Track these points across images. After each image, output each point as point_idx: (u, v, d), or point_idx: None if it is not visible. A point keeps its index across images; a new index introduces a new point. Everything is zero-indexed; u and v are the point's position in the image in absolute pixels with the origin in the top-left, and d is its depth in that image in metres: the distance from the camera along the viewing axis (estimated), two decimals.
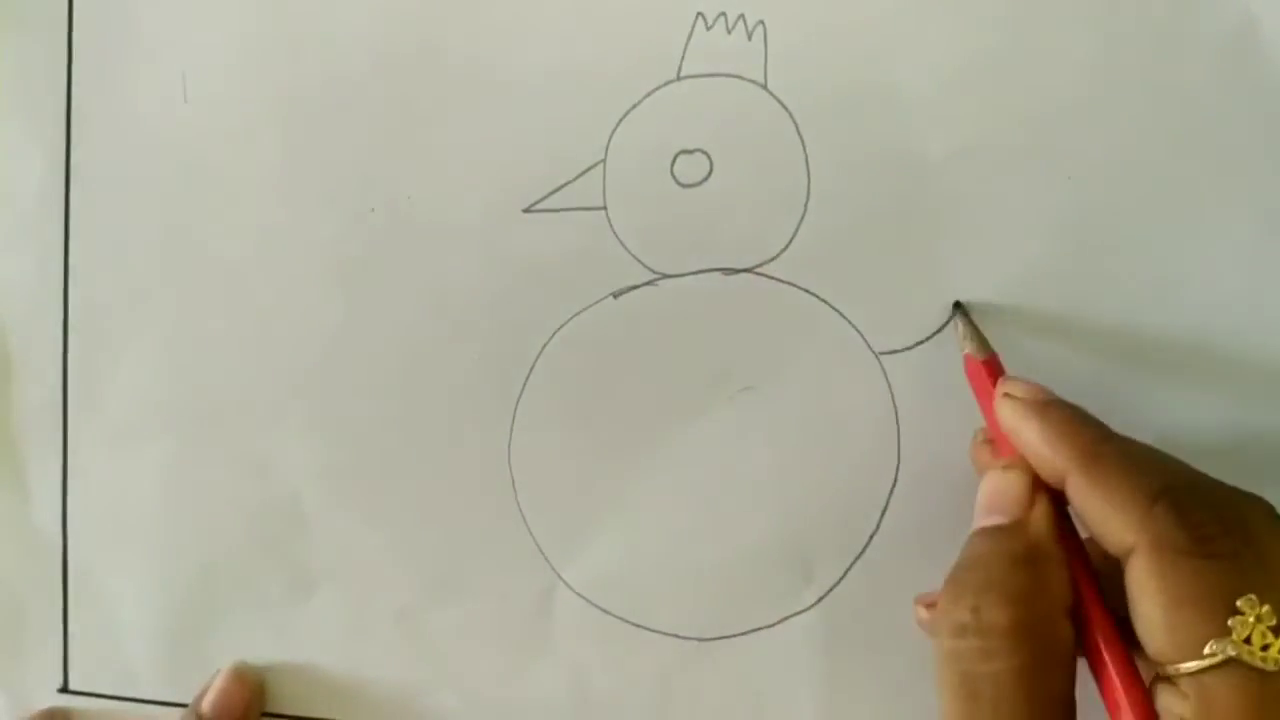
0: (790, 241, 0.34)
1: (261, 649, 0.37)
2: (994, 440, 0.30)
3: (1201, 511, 0.25)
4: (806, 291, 0.34)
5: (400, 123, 0.35)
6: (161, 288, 0.36)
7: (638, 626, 0.35)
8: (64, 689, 0.38)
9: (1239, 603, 0.23)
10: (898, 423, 0.33)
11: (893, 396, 0.34)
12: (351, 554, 0.36)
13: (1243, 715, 0.23)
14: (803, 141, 0.33)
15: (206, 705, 0.36)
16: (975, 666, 0.25)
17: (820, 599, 0.34)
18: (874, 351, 0.34)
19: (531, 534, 0.35)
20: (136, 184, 0.36)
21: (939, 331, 0.33)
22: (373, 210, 0.35)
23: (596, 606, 0.35)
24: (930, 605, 0.31)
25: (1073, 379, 0.33)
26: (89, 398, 0.37)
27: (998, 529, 0.27)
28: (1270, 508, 0.27)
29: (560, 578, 0.35)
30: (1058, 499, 0.28)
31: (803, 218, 0.34)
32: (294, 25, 0.35)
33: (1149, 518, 0.25)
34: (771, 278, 0.34)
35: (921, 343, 0.33)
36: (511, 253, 0.35)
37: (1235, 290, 0.32)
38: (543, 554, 0.35)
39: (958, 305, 0.33)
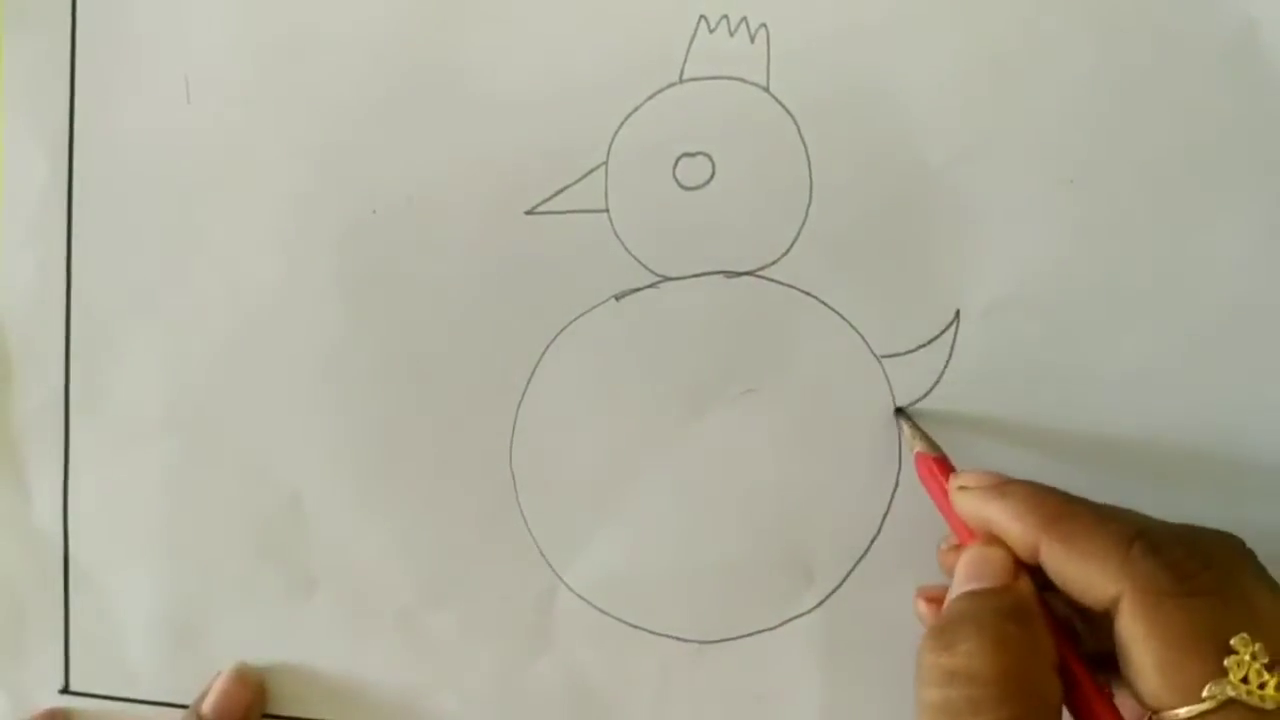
0: (792, 244, 0.34)
1: (262, 650, 0.37)
2: (960, 536, 0.30)
3: (1179, 549, 0.25)
4: (808, 294, 0.34)
5: (402, 125, 0.35)
6: (163, 289, 0.36)
7: (638, 628, 0.35)
8: (65, 690, 0.38)
9: (1233, 642, 0.23)
10: (899, 426, 0.33)
11: (894, 399, 0.34)
12: (352, 555, 0.36)
13: None
14: (805, 144, 0.33)
15: (207, 706, 0.36)
16: (963, 718, 0.25)
17: (821, 602, 0.34)
18: (875, 355, 0.34)
19: (532, 535, 0.35)
20: (139, 186, 0.36)
21: (940, 335, 0.33)
22: (374, 212, 0.35)
23: (597, 608, 0.35)
24: (932, 599, 0.31)
25: (1074, 380, 0.33)
26: (90, 399, 0.37)
27: (985, 590, 0.27)
28: (1241, 543, 0.27)
29: (561, 579, 0.35)
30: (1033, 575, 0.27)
31: (804, 221, 0.34)
32: (296, 27, 0.35)
33: (1128, 563, 0.25)
34: (773, 280, 0.34)
35: (923, 346, 0.33)
36: (513, 255, 0.35)
37: (1238, 293, 0.32)
38: (543, 555, 0.35)
39: (899, 411, 0.33)
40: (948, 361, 0.33)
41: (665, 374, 0.34)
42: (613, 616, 0.35)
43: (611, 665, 0.35)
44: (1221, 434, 0.33)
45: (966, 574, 0.28)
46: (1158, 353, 0.33)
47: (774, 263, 0.34)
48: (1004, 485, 0.28)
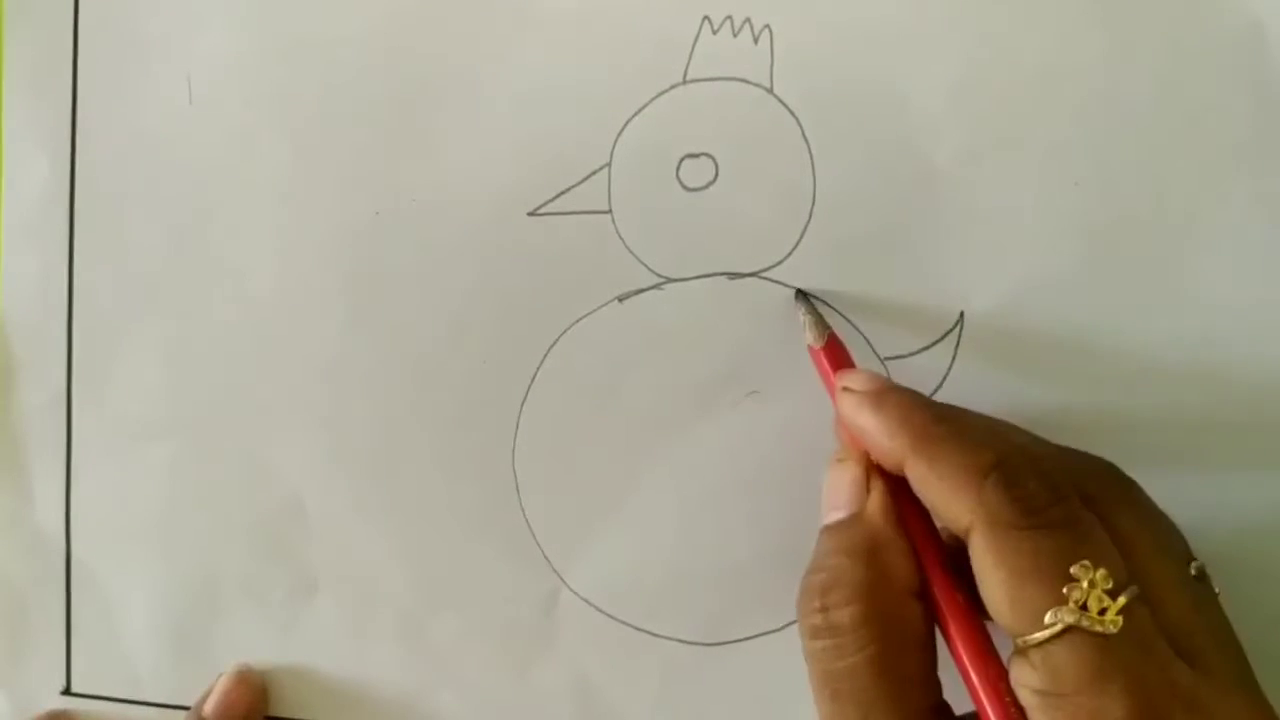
0: (796, 246, 0.34)
1: (264, 652, 0.37)
2: (839, 432, 0.30)
3: (1032, 482, 0.25)
4: (812, 296, 0.34)
5: (405, 126, 0.35)
6: (166, 290, 0.36)
7: (641, 630, 0.35)
8: (66, 691, 0.38)
9: (1073, 569, 0.24)
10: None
11: None
12: (354, 556, 0.36)
13: (1089, 681, 0.23)
14: (809, 145, 0.33)
15: (209, 708, 0.36)
16: (832, 664, 0.26)
17: None
18: (879, 357, 0.34)
19: (535, 537, 0.35)
20: (141, 186, 0.36)
21: (944, 337, 0.33)
22: (377, 213, 0.35)
23: (600, 611, 0.35)
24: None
25: (1076, 383, 0.33)
26: (93, 399, 0.37)
27: (837, 525, 0.28)
28: (1112, 468, 0.27)
29: (564, 581, 0.35)
30: (901, 484, 0.28)
31: (808, 222, 0.33)
32: (299, 28, 0.35)
33: (980, 495, 0.25)
34: (777, 282, 0.34)
35: (927, 348, 0.33)
36: (516, 256, 0.35)
37: (1245, 295, 0.32)
38: (546, 558, 0.35)
39: (799, 293, 0.33)
40: (951, 364, 0.33)
41: (668, 376, 0.34)
42: (615, 619, 0.35)
43: (614, 667, 0.35)
44: (1226, 436, 0.33)
45: (825, 499, 0.29)
46: (1163, 355, 0.33)
47: (778, 264, 0.34)
48: (883, 394, 0.28)
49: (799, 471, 0.34)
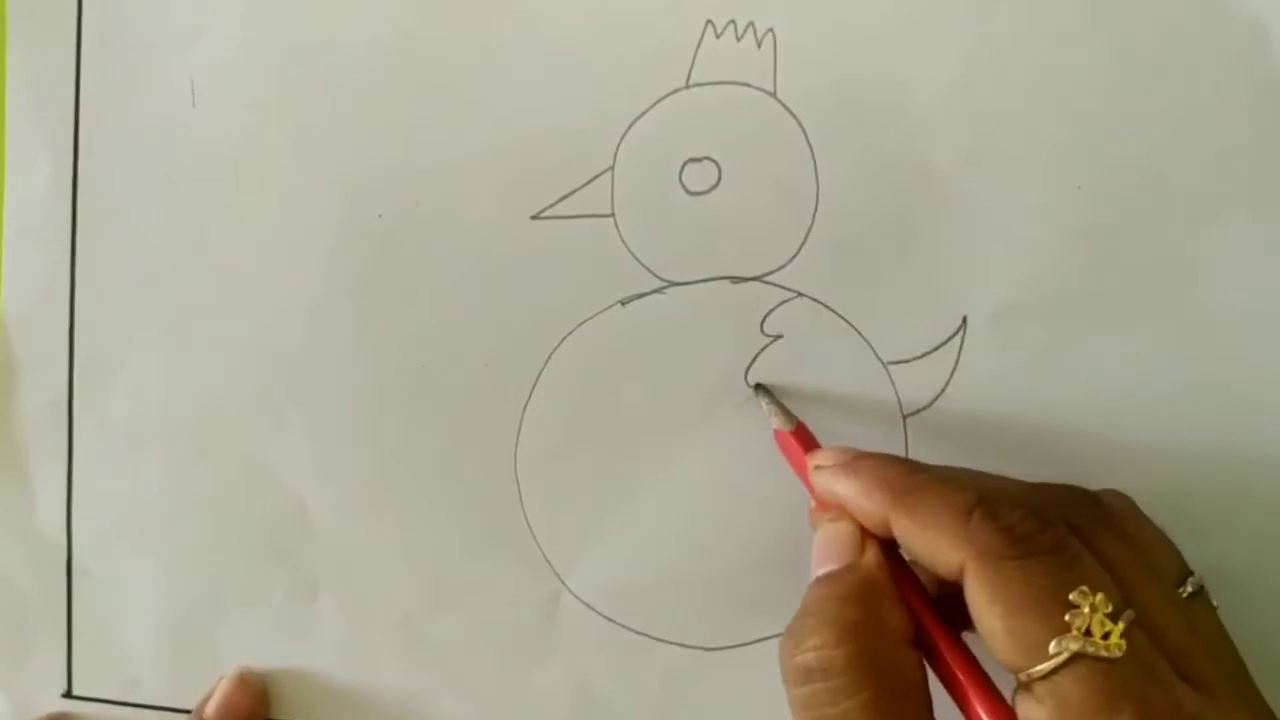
0: (798, 250, 0.33)
1: (265, 655, 0.37)
2: (820, 507, 0.30)
3: (1016, 513, 0.25)
4: (815, 301, 0.34)
5: (408, 129, 0.35)
6: (168, 292, 0.36)
7: (643, 635, 0.35)
8: (67, 694, 0.38)
9: (1072, 596, 0.24)
10: (905, 432, 0.33)
11: (900, 406, 0.33)
12: (356, 560, 0.36)
13: (1099, 708, 0.23)
14: (811, 149, 0.33)
15: (210, 711, 0.36)
16: (825, 710, 0.25)
17: None
18: (882, 361, 0.33)
19: (536, 541, 0.35)
20: (144, 189, 0.36)
21: (947, 342, 0.33)
22: (380, 216, 0.35)
23: (601, 615, 0.35)
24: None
25: (1082, 387, 0.33)
26: (94, 402, 0.37)
27: (829, 574, 0.28)
28: (1091, 495, 0.27)
29: (565, 585, 0.35)
30: (889, 546, 0.28)
31: (811, 226, 0.33)
32: (302, 31, 0.35)
33: (968, 531, 0.25)
34: (780, 286, 0.34)
35: (929, 353, 0.33)
36: (519, 259, 0.35)
37: (1248, 298, 0.32)
38: (548, 561, 0.35)
39: (759, 386, 0.33)
40: (954, 368, 0.33)
41: (671, 380, 0.34)
42: (617, 623, 0.35)
43: (615, 671, 0.35)
44: (1229, 439, 0.33)
45: (817, 556, 0.28)
46: (1166, 359, 0.33)
47: (781, 268, 0.34)
48: (854, 461, 0.29)
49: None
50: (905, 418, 0.33)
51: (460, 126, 0.35)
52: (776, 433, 0.32)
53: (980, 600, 0.25)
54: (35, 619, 0.38)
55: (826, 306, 0.34)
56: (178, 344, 0.36)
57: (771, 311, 0.34)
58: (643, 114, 0.34)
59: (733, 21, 0.33)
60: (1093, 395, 0.33)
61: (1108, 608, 0.24)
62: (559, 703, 0.35)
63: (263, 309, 0.36)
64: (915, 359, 0.33)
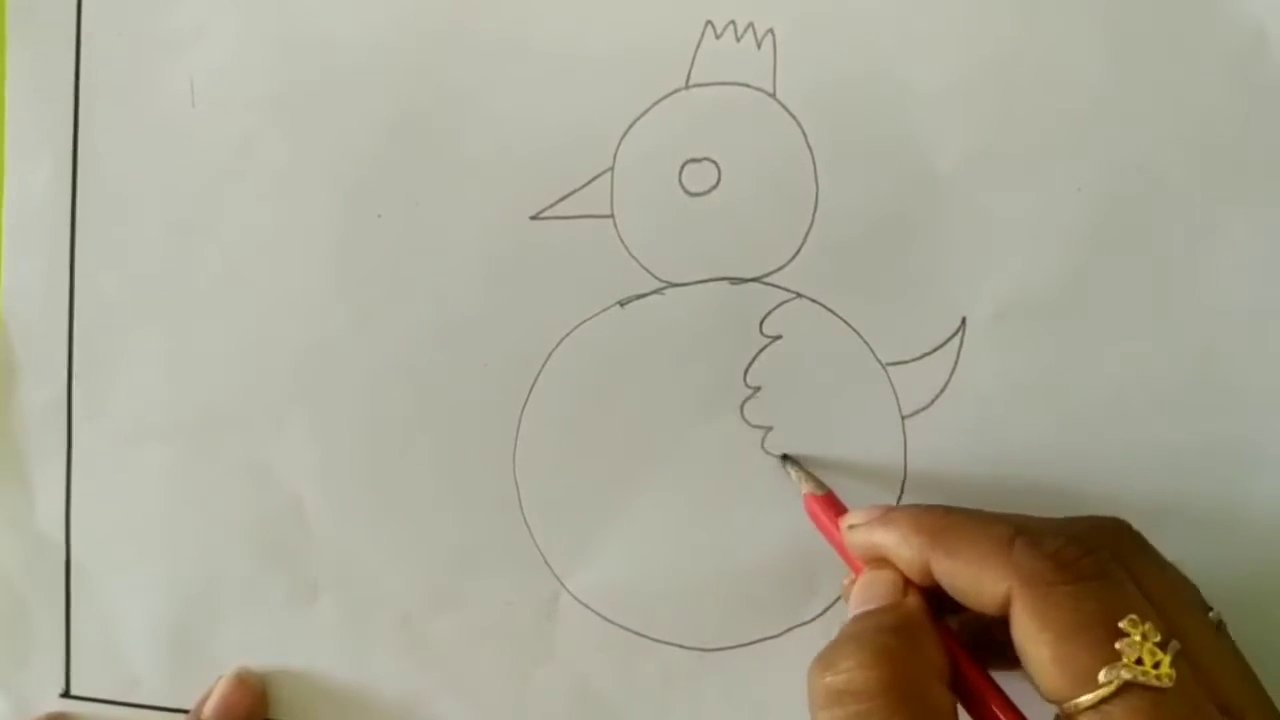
0: (798, 251, 0.33)
1: (264, 655, 0.37)
2: (854, 570, 0.30)
3: (1058, 539, 0.25)
4: (814, 301, 0.34)
5: (408, 129, 0.35)
6: (167, 292, 0.36)
7: (641, 636, 0.35)
8: (66, 694, 0.38)
9: (1122, 624, 0.23)
10: (904, 434, 0.33)
11: (899, 408, 0.33)
12: (354, 560, 0.36)
13: None
14: (811, 150, 0.33)
15: (208, 711, 0.36)
16: None
17: (825, 610, 0.34)
18: (880, 362, 0.33)
19: (535, 542, 0.35)
20: (143, 188, 0.36)
21: (946, 343, 0.33)
22: (379, 216, 0.35)
23: (600, 615, 0.35)
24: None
25: (1081, 389, 0.33)
26: (93, 402, 0.37)
27: (871, 610, 0.27)
28: (1123, 524, 0.27)
29: (564, 586, 0.35)
30: (928, 595, 0.28)
31: (810, 227, 0.33)
32: (302, 31, 0.35)
33: (1011, 559, 0.25)
34: (779, 287, 0.34)
35: (928, 354, 0.33)
36: (518, 260, 0.35)
37: (1248, 301, 0.32)
38: (546, 562, 0.35)
39: (786, 457, 0.34)
40: (953, 370, 0.33)
41: (669, 380, 0.34)
42: (616, 624, 0.35)
43: (614, 672, 0.35)
44: (1230, 442, 0.33)
45: (857, 599, 0.28)
46: (1165, 361, 0.32)
47: (780, 269, 0.34)
48: (888, 514, 0.29)
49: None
50: (904, 419, 0.33)
51: (460, 127, 0.35)
52: (807, 498, 0.32)
53: (1027, 628, 0.24)
54: (34, 619, 0.38)
55: (825, 307, 0.34)
56: (177, 344, 0.36)
57: (770, 312, 0.34)
58: (642, 114, 0.34)
59: (732, 22, 0.33)
60: (1092, 396, 0.33)
61: (1156, 637, 0.23)
62: (558, 703, 0.35)
63: (262, 309, 0.36)
64: (914, 360, 0.33)
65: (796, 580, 0.34)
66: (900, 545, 0.28)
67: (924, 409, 0.33)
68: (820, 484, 0.32)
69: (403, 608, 0.36)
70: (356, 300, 0.35)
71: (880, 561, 0.29)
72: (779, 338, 0.34)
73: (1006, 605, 0.25)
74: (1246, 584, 0.32)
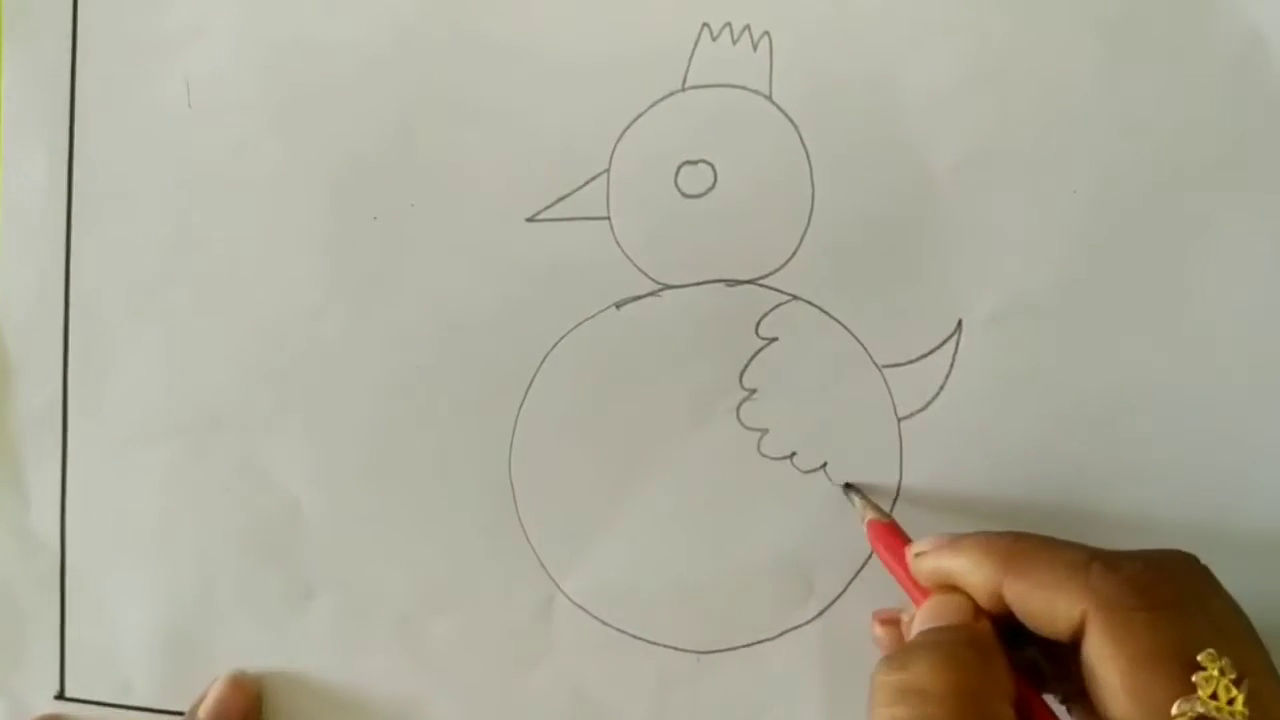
0: (794, 253, 0.33)
1: (259, 657, 0.37)
2: (915, 600, 0.30)
3: (1136, 564, 0.25)
4: (810, 303, 0.34)
5: (404, 131, 0.35)
6: (163, 294, 0.36)
7: (637, 638, 0.35)
8: (60, 695, 0.38)
9: (1201, 658, 0.23)
10: (900, 436, 0.33)
11: (895, 410, 0.33)
12: (350, 562, 0.36)
13: None
14: (807, 153, 0.33)
15: (204, 713, 0.35)
16: None
17: (821, 612, 0.34)
18: (877, 364, 0.33)
19: (531, 544, 0.35)
20: (139, 190, 0.36)
21: (942, 345, 0.33)
22: (375, 218, 0.35)
23: (595, 617, 0.35)
24: (888, 621, 0.32)
25: (1077, 391, 0.33)
26: (89, 403, 0.37)
27: (944, 625, 0.27)
28: (1194, 559, 0.27)
29: (559, 588, 0.35)
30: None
31: (806, 229, 0.33)
32: (298, 32, 0.35)
33: (1089, 583, 0.25)
34: (775, 289, 0.34)
35: (924, 356, 0.33)
36: (514, 262, 0.34)
37: (1242, 303, 0.32)
38: (542, 564, 0.35)
39: (849, 486, 0.33)
40: (949, 372, 0.33)
41: (665, 382, 0.34)
42: (611, 626, 0.35)
43: (610, 675, 0.35)
44: (1226, 444, 0.33)
45: (925, 618, 0.28)
46: (1161, 363, 0.32)
47: (776, 271, 0.34)
48: (956, 540, 0.29)
49: (796, 478, 0.34)
50: (900, 420, 0.33)
51: (456, 129, 0.35)
52: (871, 524, 0.32)
53: (1101, 653, 0.24)
54: (29, 620, 0.38)
55: (822, 310, 0.34)
56: (172, 346, 0.36)
57: (767, 314, 0.34)
58: (638, 117, 0.34)
59: (728, 24, 0.33)
60: (1088, 398, 0.33)
61: (1232, 674, 0.23)
62: (553, 705, 0.35)
63: (257, 311, 0.36)
64: (910, 362, 0.33)
65: (792, 583, 0.34)
66: (972, 570, 0.27)
67: (920, 411, 0.33)
68: (883, 511, 0.32)
69: (398, 609, 0.36)
70: (352, 302, 0.35)
71: (947, 588, 0.28)
72: (775, 340, 0.34)
73: (1079, 630, 0.25)
74: (1247, 584, 0.32)
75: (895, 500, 0.33)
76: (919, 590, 0.29)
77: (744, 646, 0.34)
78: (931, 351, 0.33)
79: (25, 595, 0.38)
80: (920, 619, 0.28)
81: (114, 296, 0.37)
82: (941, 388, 0.33)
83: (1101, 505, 0.33)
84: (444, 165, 0.35)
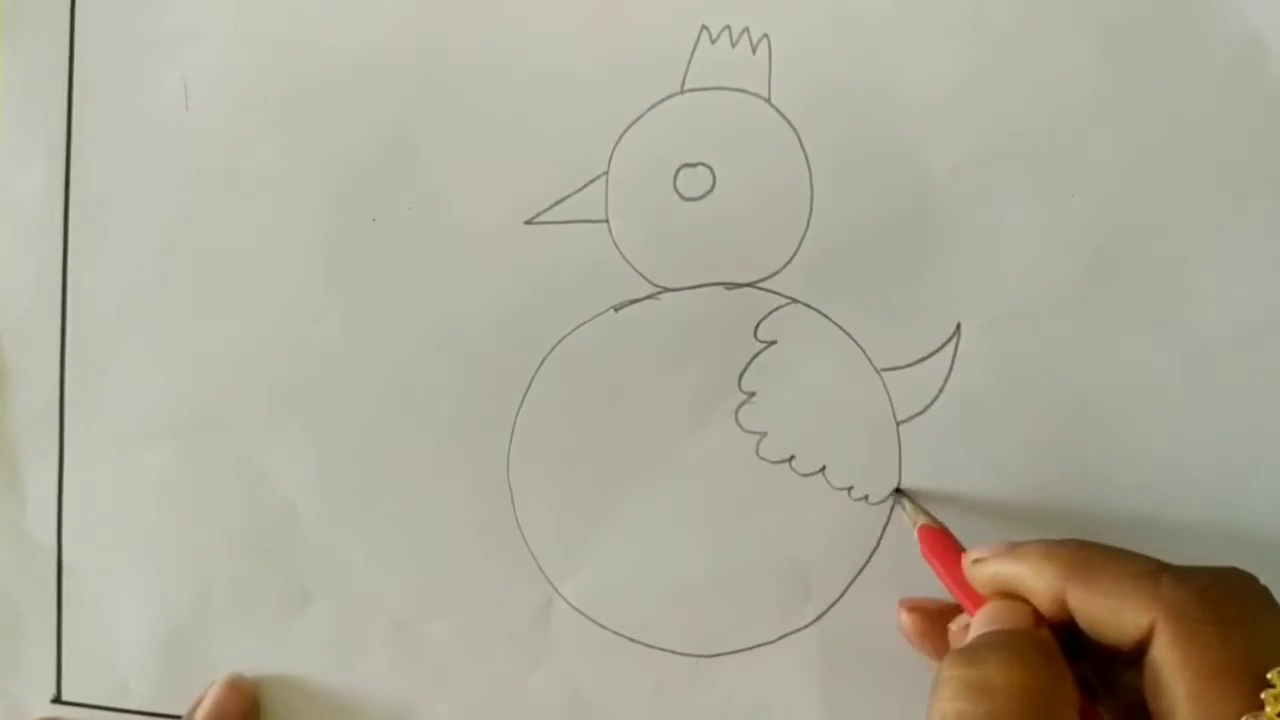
0: (793, 256, 0.33)
1: (256, 660, 0.36)
2: (969, 608, 0.30)
3: (1205, 577, 0.25)
4: (809, 307, 0.34)
5: (402, 133, 0.35)
6: (160, 295, 0.36)
7: (635, 641, 0.35)
8: (56, 699, 0.38)
9: (1270, 675, 0.23)
10: (899, 439, 0.33)
11: (894, 413, 0.33)
12: (348, 565, 0.36)
13: None
14: (806, 155, 0.33)
15: (201, 716, 0.35)
16: None
17: (820, 615, 0.34)
18: (875, 368, 0.33)
19: (529, 547, 0.35)
20: (136, 191, 0.36)
21: (941, 348, 0.33)
22: (374, 220, 0.35)
23: (594, 621, 0.35)
24: (916, 609, 0.31)
25: (1076, 395, 0.33)
26: (86, 405, 0.37)
27: (1010, 629, 0.27)
28: (1253, 576, 0.27)
29: (558, 592, 0.35)
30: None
31: (805, 232, 0.33)
32: (296, 33, 0.35)
33: (1159, 592, 0.25)
34: (773, 292, 0.34)
35: (924, 359, 0.33)
36: (512, 264, 0.34)
37: (1242, 307, 0.32)
38: (540, 567, 0.35)
39: (899, 491, 0.33)
40: (948, 375, 0.33)
41: (664, 385, 0.34)
42: (609, 629, 0.35)
43: (608, 678, 0.35)
44: (1226, 447, 0.32)
45: (989, 619, 0.28)
46: (1161, 367, 0.32)
47: (774, 274, 0.34)
48: (1016, 547, 0.28)
49: (794, 482, 0.34)
50: (899, 424, 0.33)
51: (454, 131, 0.34)
52: (922, 531, 0.32)
53: (1168, 661, 0.24)
54: (25, 623, 0.38)
55: (820, 313, 0.33)
56: (169, 348, 0.36)
57: (765, 317, 0.34)
58: (637, 119, 0.34)
59: (728, 27, 0.33)
60: (1088, 399, 0.33)
61: None
62: (551, 709, 0.35)
63: (255, 313, 0.36)
64: (909, 365, 0.33)
65: (791, 587, 0.34)
66: (1033, 577, 0.27)
67: (919, 414, 0.33)
68: (934, 519, 0.32)
69: (396, 613, 0.36)
70: (350, 304, 0.35)
71: (1005, 595, 0.28)
72: (774, 343, 0.34)
73: (1146, 639, 0.25)
74: None
75: (894, 503, 0.33)
76: (971, 598, 0.29)
77: (743, 650, 0.34)
78: (931, 354, 0.33)
79: (22, 598, 0.38)
80: (981, 622, 0.28)
81: (111, 298, 0.37)
82: (940, 391, 0.33)
83: (1101, 506, 0.33)
84: (442, 168, 0.35)
